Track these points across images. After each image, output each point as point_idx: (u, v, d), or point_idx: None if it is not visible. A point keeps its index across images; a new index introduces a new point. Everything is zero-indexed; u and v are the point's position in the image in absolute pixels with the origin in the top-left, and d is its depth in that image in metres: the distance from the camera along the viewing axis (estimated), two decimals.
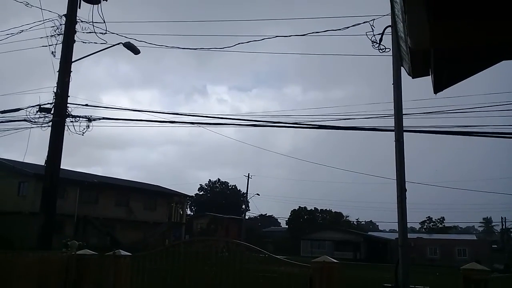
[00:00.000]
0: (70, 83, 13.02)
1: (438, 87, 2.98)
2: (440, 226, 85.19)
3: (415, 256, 52.46)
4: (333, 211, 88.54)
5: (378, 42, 7.18)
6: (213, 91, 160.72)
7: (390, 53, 7.34)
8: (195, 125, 13.95)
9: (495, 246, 69.06)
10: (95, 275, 10.24)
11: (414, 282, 7.50)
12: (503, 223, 68.27)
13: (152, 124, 14.26)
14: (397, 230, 7.46)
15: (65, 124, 12.74)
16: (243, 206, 72.38)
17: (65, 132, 12.95)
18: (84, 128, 12.79)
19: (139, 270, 9.84)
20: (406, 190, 7.04)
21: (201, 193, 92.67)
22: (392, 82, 7.34)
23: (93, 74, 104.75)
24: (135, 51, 13.68)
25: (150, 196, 47.23)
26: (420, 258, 54.23)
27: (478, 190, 68.71)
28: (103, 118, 12.86)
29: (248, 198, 65.78)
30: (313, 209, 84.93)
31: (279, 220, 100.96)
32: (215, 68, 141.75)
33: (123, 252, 10.01)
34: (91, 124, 12.83)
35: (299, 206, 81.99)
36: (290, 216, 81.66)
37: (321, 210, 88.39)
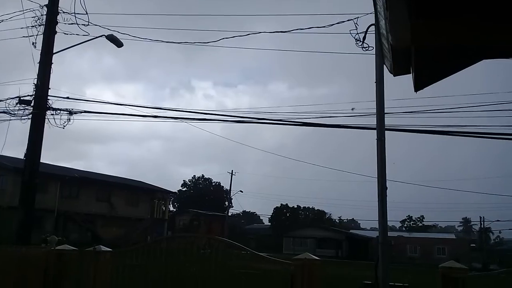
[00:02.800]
0: (51, 75, 12.82)
1: (418, 85, 2.99)
2: (420, 224, 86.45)
3: (396, 254, 53.12)
4: (316, 209, 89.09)
5: (361, 40, 7.22)
6: (199, 87, 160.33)
7: (374, 51, 7.40)
8: (178, 120, 13.86)
9: (474, 245, 70.35)
10: (75, 271, 10.10)
11: (394, 280, 7.58)
12: (482, 222, 69.56)
13: (135, 118, 14.14)
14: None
15: (46, 117, 12.54)
16: (226, 203, 72.32)
17: (46, 125, 12.74)
18: (65, 121, 12.60)
19: (120, 266, 9.73)
20: (387, 188, 7.09)
21: (184, 189, 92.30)
22: (375, 80, 7.39)
23: (76, 67, 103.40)
24: (118, 43, 13.51)
25: (132, 192, 46.86)
26: (400, 256, 54.94)
27: (457, 190, 69.92)
28: (85, 112, 12.69)
29: (231, 195, 65.77)
30: (296, 206, 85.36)
31: (261, 218, 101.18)
32: (201, 64, 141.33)
33: (103, 248, 9.88)
34: (72, 117, 12.65)
35: (281, 204, 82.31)
36: (272, 213, 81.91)
37: (304, 207, 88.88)
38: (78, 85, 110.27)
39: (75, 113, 12.64)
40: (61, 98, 12.97)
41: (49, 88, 12.71)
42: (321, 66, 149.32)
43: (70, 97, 12.88)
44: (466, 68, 2.91)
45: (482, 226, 70.42)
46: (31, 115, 12.39)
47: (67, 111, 12.64)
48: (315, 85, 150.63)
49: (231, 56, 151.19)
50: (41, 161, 13.26)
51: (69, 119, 12.66)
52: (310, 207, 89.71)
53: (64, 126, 12.63)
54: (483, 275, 9.28)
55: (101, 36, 13.62)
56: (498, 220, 66.46)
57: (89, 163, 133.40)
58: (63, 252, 10.21)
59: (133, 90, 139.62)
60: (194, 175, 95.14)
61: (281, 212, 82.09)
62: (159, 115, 13.72)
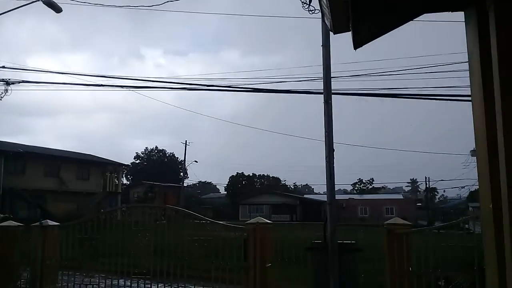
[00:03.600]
0: None
1: (357, 43, 2.98)
2: (370, 187, 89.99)
3: (347, 216, 55.22)
4: (271, 176, 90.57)
5: (307, 3, 7.17)
6: (148, 55, 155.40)
7: (320, 15, 7.37)
8: (125, 88, 13.42)
9: (420, 204, 74.39)
10: (22, 247, 9.79)
11: (343, 239, 7.83)
12: (427, 182, 73.29)
13: (80, 88, 13.55)
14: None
15: None
16: (181, 174, 71.97)
17: None
18: (1, 92, 11.86)
19: (69, 240, 9.52)
20: (334, 150, 7.24)
21: (137, 161, 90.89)
22: (321, 44, 7.40)
23: (16, 36, 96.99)
24: (57, 9, 12.72)
25: (83, 165, 45.62)
26: (352, 217, 57.19)
27: (404, 150, 72.95)
28: (23, 81, 11.98)
29: (186, 166, 65.45)
30: (251, 174, 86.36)
31: (218, 187, 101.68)
32: (150, 31, 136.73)
33: (50, 222, 9.61)
34: (9, 88, 11.92)
35: (237, 172, 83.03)
36: (228, 182, 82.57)
37: (259, 175, 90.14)
38: (20, 56, 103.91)
39: (13, 83, 11.91)
40: None
41: None
42: (274, 32, 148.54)
43: (5, 66, 12.11)
44: (406, 24, 2.92)
45: (427, 186, 74.26)
46: None
47: (3, 81, 11.90)
48: (269, 52, 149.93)
49: (181, 23, 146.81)
50: None
51: (7, 90, 11.93)
52: (265, 174, 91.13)
53: (1, 98, 11.91)
54: (424, 230, 9.83)
55: (37, 0, 12.78)
56: (442, 180, 70.35)
57: (36, 137, 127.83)
58: (7, 229, 9.86)
59: (80, 59, 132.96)
60: (147, 147, 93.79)
61: (237, 181, 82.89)
62: (105, 83, 13.20)
